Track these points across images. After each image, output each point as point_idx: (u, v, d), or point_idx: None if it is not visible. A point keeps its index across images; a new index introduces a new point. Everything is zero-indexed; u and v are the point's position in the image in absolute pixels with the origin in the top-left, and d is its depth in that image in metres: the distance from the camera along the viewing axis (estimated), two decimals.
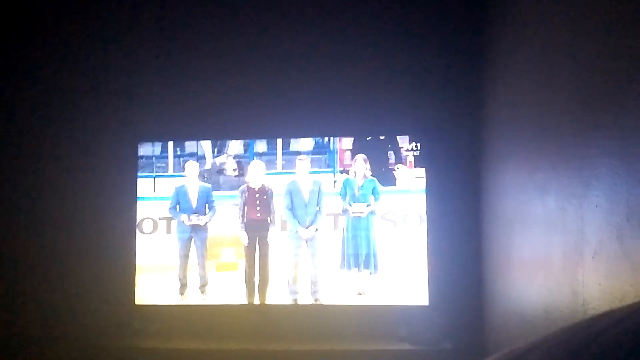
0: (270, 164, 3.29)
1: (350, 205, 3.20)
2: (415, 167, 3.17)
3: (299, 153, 3.29)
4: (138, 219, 3.29)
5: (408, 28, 3.26)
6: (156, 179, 3.33)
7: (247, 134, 3.32)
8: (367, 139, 3.25)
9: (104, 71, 3.43)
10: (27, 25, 3.50)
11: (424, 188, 3.14)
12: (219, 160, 3.33)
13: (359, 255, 3.17)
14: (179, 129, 3.36)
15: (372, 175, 3.20)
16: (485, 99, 2.99)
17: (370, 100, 3.26)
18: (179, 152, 3.36)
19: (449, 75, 3.21)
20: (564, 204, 1.78)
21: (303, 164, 3.25)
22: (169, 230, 3.31)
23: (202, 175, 3.32)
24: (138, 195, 3.30)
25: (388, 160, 3.21)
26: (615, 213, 1.42)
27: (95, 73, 3.43)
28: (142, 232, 3.31)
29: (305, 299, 3.18)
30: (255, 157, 3.31)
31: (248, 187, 3.27)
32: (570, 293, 1.74)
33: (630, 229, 1.34)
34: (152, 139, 3.34)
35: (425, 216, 3.12)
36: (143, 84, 3.40)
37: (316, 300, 3.18)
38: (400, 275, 3.13)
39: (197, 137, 3.32)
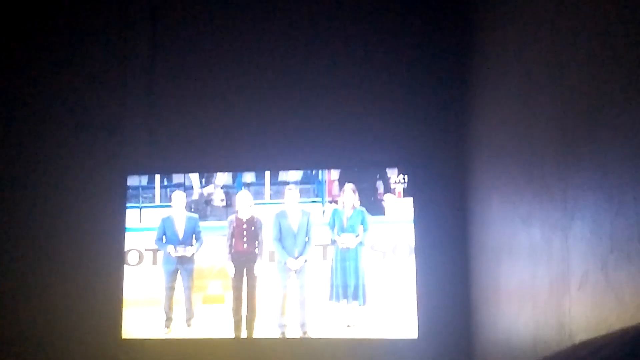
0: (258, 194, 3.28)
1: (338, 236, 3.18)
2: (404, 197, 3.17)
3: (287, 183, 3.28)
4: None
5: (393, 63, 3.29)
6: (142, 209, 3.31)
7: (236, 166, 3.31)
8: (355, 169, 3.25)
9: (92, 104, 3.44)
10: (17, 58, 3.50)
11: (412, 219, 3.13)
12: (206, 190, 3.32)
13: (348, 286, 3.14)
14: (167, 162, 3.35)
15: (360, 205, 3.19)
16: (470, 132, 3.02)
17: (358, 133, 3.28)
18: (165, 183, 3.34)
19: (435, 108, 3.24)
20: (549, 235, 1.78)
21: (292, 193, 3.24)
22: (154, 262, 3.27)
23: (189, 206, 3.30)
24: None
25: (377, 190, 3.21)
26: (599, 245, 1.42)
27: (82, 105, 3.44)
28: (127, 263, 3.26)
29: (293, 332, 3.14)
30: (243, 188, 3.30)
31: (236, 217, 3.25)
32: (558, 325, 1.73)
33: (614, 260, 1.34)
34: (140, 172, 3.32)
35: (414, 247, 3.11)
36: (131, 117, 3.40)
37: (304, 333, 3.13)
38: (390, 307, 3.10)
39: (186, 170, 3.31)
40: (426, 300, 3.05)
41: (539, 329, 1.91)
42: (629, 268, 1.26)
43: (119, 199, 3.28)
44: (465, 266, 3.06)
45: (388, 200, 3.17)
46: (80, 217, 3.34)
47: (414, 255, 3.09)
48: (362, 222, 3.18)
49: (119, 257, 3.23)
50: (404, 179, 3.17)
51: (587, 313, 1.51)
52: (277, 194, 3.27)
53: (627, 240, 1.27)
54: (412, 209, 3.13)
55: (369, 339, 3.08)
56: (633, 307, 1.25)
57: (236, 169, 3.30)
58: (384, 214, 3.17)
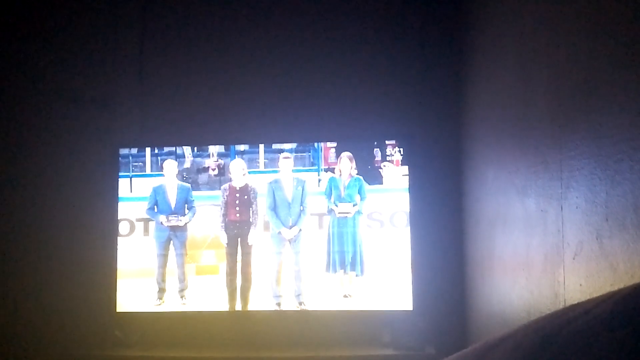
0: (253, 162, 3.25)
1: (336, 205, 3.16)
2: (402, 165, 3.13)
3: (281, 151, 3.24)
4: None
5: (389, 35, 3.26)
6: (133, 178, 3.27)
7: (229, 139, 3.27)
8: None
9: (83, 77, 3.40)
10: (7, 33, 3.45)
11: (408, 190, 3.10)
12: (198, 159, 3.28)
13: (345, 256, 3.12)
14: (159, 135, 3.32)
15: (357, 174, 3.16)
16: (465, 104, 3.00)
17: (353, 105, 3.26)
18: (156, 151, 3.30)
19: (431, 81, 3.22)
20: (544, 205, 1.78)
21: (286, 162, 3.20)
22: (146, 233, 3.24)
23: (181, 175, 3.27)
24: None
25: (374, 158, 3.17)
26: (595, 214, 1.42)
27: (73, 78, 3.40)
28: (118, 234, 3.24)
29: (289, 303, 3.13)
30: (236, 156, 3.26)
31: (230, 185, 3.22)
32: (552, 295, 1.74)
33: (609, 229, 1.35)
34: (131, 145, 3.28)
35: (409, 219, 3.09)
36: (123, 90, 3.37)
37: (300, 303, 3.13)
38: (386, 278, 3.09)
39: (177, 143, 3.27)
40: (421, 272, 3.04)
41: (534, 299, 1.92)
42: (624, 237, 1.27)
43: (111, 172, 3.24)
44: (461, 238, 3.07)
45: (386, 168, 3.14)
46: (72, 191, 3.32)
47: (409, 227, 3.07)
48: (360, 191, 3.15)
49: (112, 233, 3.21)
50: (400, 151, 3.13)
51: (581, 282, 1.53)
52: (272, 162, 3.23)
53: (622, 208, 1.27)
54: (408, 180, 3.10)
55: (365, 311, 3.08)
56: (627, 276, 1.26)
57: (229, 142, 3.26)
58: (381, 183, 3.14)
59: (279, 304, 3.14)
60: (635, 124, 1.20)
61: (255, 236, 3.19)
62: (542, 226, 1.80)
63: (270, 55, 3.31)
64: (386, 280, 3.09)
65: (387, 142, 3.15)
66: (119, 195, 3.23)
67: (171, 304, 3.18)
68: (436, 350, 2.85)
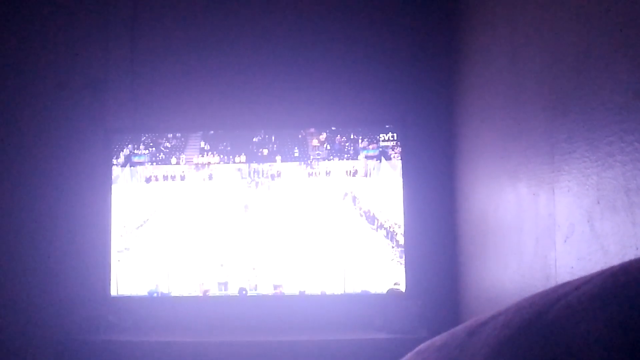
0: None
1: None
2: (394, 149, 3.13)
3: None
4: None
5: (379, 18, 3.24)
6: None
7: (223, 125, 3.25)
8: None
9: (74, 62, 3.35)
10: None
11: (401, 175, 3.10)
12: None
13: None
14: (152, 121, 3.28)
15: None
16: (458, 88, 3.00)
17: (345, 91, 3.23)
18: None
19: (423, 65, 3.21)
20: (536, 189, 1.79)
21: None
22: None
23: None
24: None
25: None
26: (586, 197, 1.43)
27: (64, 63, 3.36)
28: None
29: (287, 287, 3.14)
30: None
31: None
32: (544, 277, 1.75)
33: (600, 211, 1.36)
34: (124, 130, 3.25)
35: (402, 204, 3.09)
36: (114, 75, 3.33)
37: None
38: (379, 261, 3.10)
39: (171, 130, 3.23)
40: (414, 256, 3.06)
41: (525, 283, 1.93)
42: (615, 219, 1.27)
43: (104, 157, 3.23)
44: (453, 222, 3.08)
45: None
46: (64, 177, 3.30)
47: (402, 212, 3.08)
48: None
49: (105, 218, 3.20)
50: (392, 137, 3.13)
51: (572, 265, 1.54)
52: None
53: (613, 191, 1.27)
54: (400, 166, 3.10)
55: (357, 294, 3.09)
56: (618, 258, 1.27)
57: (223, 128, 3.23)
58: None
59: (276, 288, 3.15)
60: (626, 106, 1.21)
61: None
62: (534, 210, 1.82)
63: (265, 41, 3.29)
64: (378, 264, 3.10)
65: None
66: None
67: (167, 288, 3.18)
68: (429, 333, 2.87)
